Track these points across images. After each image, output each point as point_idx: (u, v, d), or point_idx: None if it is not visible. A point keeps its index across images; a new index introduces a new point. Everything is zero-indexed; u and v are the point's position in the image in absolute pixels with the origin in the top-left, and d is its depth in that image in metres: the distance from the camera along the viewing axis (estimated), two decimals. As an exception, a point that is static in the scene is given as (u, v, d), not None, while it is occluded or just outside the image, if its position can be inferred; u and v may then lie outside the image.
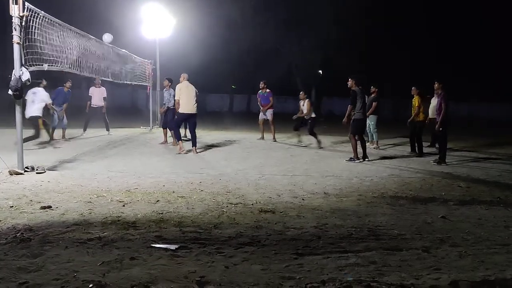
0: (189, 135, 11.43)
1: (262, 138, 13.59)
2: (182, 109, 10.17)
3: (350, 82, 9.71)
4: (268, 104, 13.43)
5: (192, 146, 10.42)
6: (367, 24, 28.45)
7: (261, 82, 13.63)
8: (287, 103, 31.29)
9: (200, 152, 10.51)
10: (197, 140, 10.59)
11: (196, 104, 10.31)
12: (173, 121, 10.86)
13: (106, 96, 13.86)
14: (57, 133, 11.94)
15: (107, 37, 13.07)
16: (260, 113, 13.62)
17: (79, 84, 27.32)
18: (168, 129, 11.90)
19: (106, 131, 14.02)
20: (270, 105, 13.46)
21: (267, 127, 13.61)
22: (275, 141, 13.05)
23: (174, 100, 10.72)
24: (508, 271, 3.47)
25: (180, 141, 10.51)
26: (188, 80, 10.34)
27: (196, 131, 10.61)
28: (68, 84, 12.12)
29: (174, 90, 10.70)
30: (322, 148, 11.76)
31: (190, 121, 10.57)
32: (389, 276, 3.32)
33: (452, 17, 29.89)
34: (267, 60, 31.05)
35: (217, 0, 27.84)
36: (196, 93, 10.34)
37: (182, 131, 12.48)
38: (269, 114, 13.42)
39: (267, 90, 13.50)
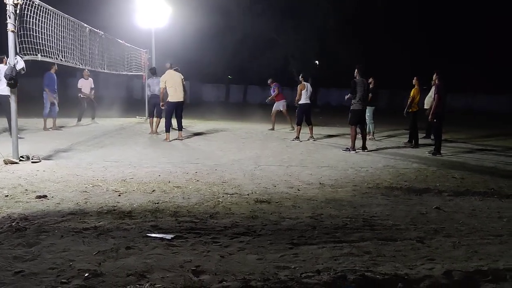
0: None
1: (292, 128, 13.72)
2: (172, 98, 10.46)
3: (356, 72, 9.72)
4: (274, 94, 13.99)
5: (179, 131, 10.81)
6: (363, 14, 28.33)
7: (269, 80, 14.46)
8: (283, 93, 31.25)
9: (195, 142, 10.52)
10: (193, 130, 10.62)
11: (183, 92, 10.53)
12: (166, 111, 10.87)
13: (93, 86, 14.06)
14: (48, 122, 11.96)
15: None
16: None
17: (74, 73, 27.16)
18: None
19: (91, 119, 14.01)
20: (273, 96, 13.98)
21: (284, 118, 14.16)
22: (293, 129, 13.07)
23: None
24: (501, 262, 3.51)
25: (168, 132, 10.61)
26: (173, 68, 10.48)
27: (192, 120, 10.73)
28: (55, 67, 11.68)
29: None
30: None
31: (177, 108, 10.73)
32: (383, 266, 3.34)
33: (450, 9, 29.83)
34: (263, 50, 30.88)
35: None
36: (182, 79, 10.52)
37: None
38: (280, 106, 13.90)
39: (274, 83, 14.10)
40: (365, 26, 28.69)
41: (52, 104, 11.78)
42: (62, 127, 12.51)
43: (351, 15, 28.04)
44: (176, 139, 10.63)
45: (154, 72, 12.13)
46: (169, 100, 10.53)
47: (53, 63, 11.10)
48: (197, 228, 4.11)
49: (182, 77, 10.59)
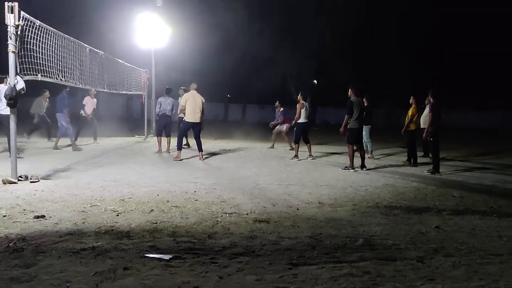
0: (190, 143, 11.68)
1: (291, 148, 13.84)
2: (188, 118, 10.53)
3: (350, 92, 9.81)
4: (279, 122, 14.08)
5: (199, 152, 10.80)
6: (360, 33, 28.74)
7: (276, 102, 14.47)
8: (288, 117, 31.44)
9: (194, 161, 10.52)
10: (191, 148, 10.63)
11: (200, 113, 10.54)
12: (180, 130, 11.03)
13: (95, 107, 14.04)
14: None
15: None
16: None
17: (74, 93, 27.33)
18: (163, 137, 11.94)
19: (93, 140, 14.01)
20: (280, 122, 14.04)
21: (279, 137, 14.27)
22: (292, 149, 12.97)
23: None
24: (502, 281, 3.49)
25: (180, 151, 10.66)
26: (196, 90, 10.57)
27: (190, 139, 10.81)
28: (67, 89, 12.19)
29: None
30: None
31: (194, 129, 10.79)
32: (383, 286, 3.32)
33: (445, 24, 30.22)
34: (262, 70, 31.16)
35: (212, 10, 28.00)
36: (202, 102, 10.60)
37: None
38: (283, 126, 13.97)
39: (281, 109, 14.16)
40: (361, 44, 29.09)
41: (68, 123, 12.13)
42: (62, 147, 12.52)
43: (347, 34, 28.43)
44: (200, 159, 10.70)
45: (169, 92, 12.25)
46: (185, 120, 10.63)
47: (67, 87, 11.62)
48: (195, 248, 4.09)
49: (203, 100, 10.66)
